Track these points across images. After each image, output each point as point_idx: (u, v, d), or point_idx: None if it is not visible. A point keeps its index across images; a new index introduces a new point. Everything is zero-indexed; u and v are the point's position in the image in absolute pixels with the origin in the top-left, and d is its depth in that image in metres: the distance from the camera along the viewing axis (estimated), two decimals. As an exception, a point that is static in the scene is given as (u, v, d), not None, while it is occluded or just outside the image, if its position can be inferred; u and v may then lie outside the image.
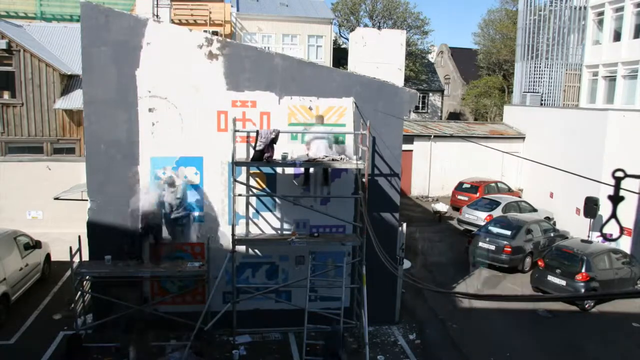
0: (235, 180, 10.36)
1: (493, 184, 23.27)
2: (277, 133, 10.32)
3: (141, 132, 10.71)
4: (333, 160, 10.53)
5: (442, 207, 21.88)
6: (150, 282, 11.10)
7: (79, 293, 10.66)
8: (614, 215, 2.96)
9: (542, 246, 16.72)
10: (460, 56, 45.05)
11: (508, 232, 16.41)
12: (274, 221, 11.38)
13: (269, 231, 11.34)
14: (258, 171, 11.10)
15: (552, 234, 17.58)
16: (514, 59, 31.97)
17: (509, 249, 15.86)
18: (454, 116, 42.34)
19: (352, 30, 33.55)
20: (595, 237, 17.59)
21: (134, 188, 10.81)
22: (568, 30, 28.50)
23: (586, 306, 13.86)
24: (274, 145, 10.32)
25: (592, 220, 17.28)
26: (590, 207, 16.90)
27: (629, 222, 16.85)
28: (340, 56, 34.97)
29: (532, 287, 15.03)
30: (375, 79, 11.63)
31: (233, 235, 10.49)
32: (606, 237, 3.59)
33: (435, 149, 25.09)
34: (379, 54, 27.42)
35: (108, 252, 10.69)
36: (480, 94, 38.51)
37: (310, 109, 11.15)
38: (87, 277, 10.77)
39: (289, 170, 11.16)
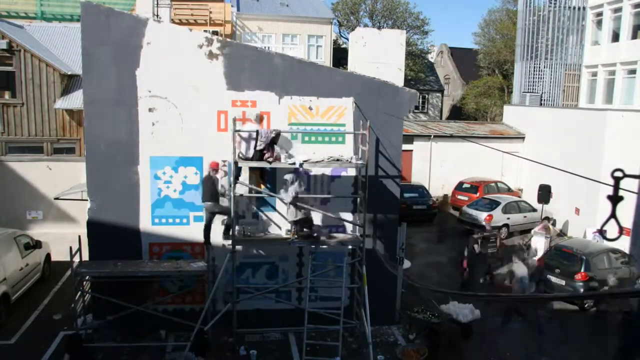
0: (235, 180, 10.37)
1: (493, 184, 23.28)
2: (278, 133, 10.34)
3: (141, 132, 10.71)
4: (334, 160, 10.55)
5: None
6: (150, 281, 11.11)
7: (79, 293, 10.67)
8: (613, 215, 2.98)
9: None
10: (460, 56, 45.01)
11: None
12: (274, 221, 11.39)
13: (269, 231, 11.36)
14: (258, 171, 11.09)
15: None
16: (514, 59, 31.99)
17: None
18: (456, 110, 42.27)
19: (352, 30, 33.53)
20: (592, 233, 17.65)
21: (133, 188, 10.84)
22: (567, 30, 28.52)
23: (585, 306, 13.89)
24: (275, 145, 10.34)
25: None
26: (544, 193, 18.92)
27: (628, 222, 16.87)
28: (340, 56, 34.94)
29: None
30: (375, 79, 11.64)
31: (233, 235, 10.50)
32: (603, 235, 3.60)
33: (435, 149, 25.09)
34: (379, 54, 27.37)
35: (108, 252, 10.71)
36: (480, 94, 38.50)
37: (310, 108, 11.17)
38: (87, 277, 10.77)
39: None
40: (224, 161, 10.92)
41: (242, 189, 10.81)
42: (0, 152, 15.71)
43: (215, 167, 10.62)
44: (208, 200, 10.48)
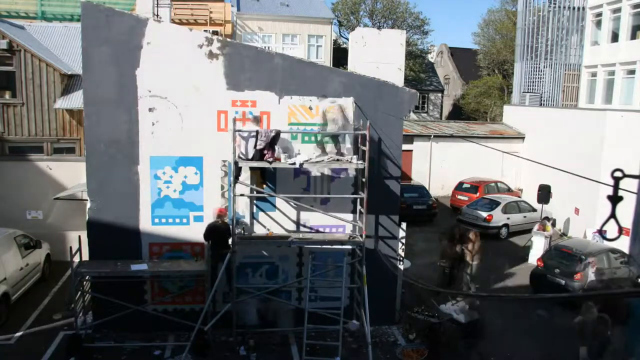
0: (235, 180, 10.37)
1: (493, 184, 23.28)
2: (277, 133, 10.34)
3: (141, 132, 10.71)
4: (334, 160, 10.55)
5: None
6: (150, 281, 11.12)
7: (79, 293, 10.67)
8: (613, 215, 2.98)
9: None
10: (460, 56, 45.00)
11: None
12: (274, 221, 11.39)
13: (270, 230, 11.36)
14: (258, 171, 11.09)
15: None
16: (513, 59, 32.01)
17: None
18: (456, 110, 42.26)
19: (352, 30, 33.53)
20: (592, 233, 17.64)
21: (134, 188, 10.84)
22: (567, 30, 28.55)
23: (585, 306, 13.87)
24: (275, 145, 10.34)
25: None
26: (544, 193, 18.69)
27: (627, 222, 16.87)
28: (340, 56, 34.92)
29: (531, 287, 15.05)
30: (375, 79, 11.64)
31: (233, 235, 10.50)
32: (603, 235, 3.61)
33: (435, 149, 25.09)
34: (379, 54, 27.37)
35: (108, 252, 10.71)
36: (480, 94, 38.52)
37: (310, 108, 11.17)
38: (87, 277, 10.78)
39: (290, 170, 11.16)
40: (224, 161, 10.93)
41: (240, 189, 10.81)
42: (0, 152, 15.70)
43: (222, 214, 10.73)
44: (218, 252, 10.48)
